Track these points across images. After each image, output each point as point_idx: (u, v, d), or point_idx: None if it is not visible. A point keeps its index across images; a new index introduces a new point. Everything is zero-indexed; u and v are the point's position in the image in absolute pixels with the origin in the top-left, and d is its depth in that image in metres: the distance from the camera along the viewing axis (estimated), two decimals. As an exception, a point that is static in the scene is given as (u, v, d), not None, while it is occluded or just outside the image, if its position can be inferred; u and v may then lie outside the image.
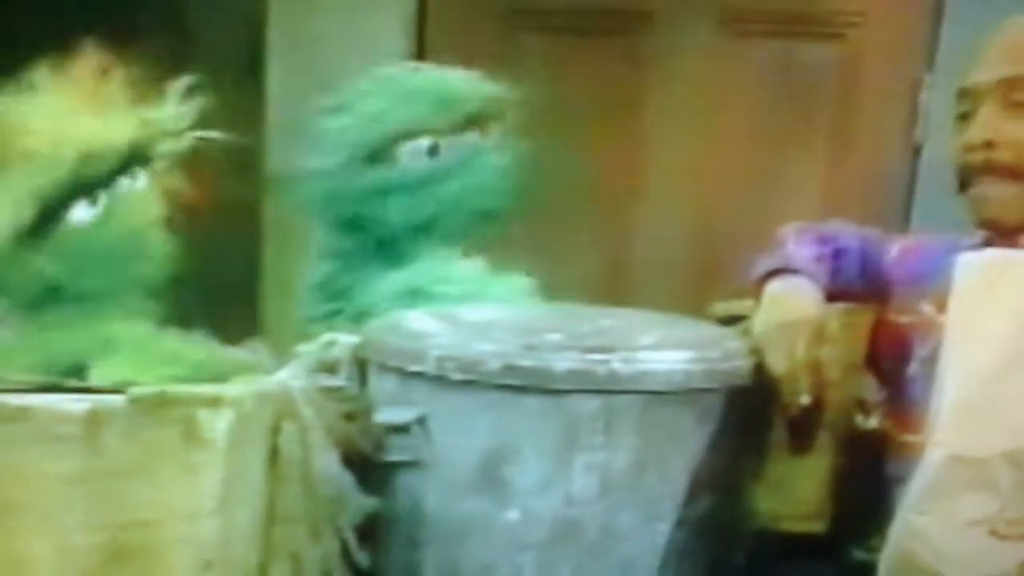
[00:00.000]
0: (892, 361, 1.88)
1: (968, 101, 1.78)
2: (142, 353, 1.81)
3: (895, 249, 1.95)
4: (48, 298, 1.86)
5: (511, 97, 2.26)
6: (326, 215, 2.30)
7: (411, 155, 2.21)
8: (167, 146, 1.88)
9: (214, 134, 1.87)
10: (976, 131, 1.75)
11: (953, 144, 1.80)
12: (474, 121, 2.23)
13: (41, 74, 1.82)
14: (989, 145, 1.74)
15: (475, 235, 2.27)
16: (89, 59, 1.82)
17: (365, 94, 2.26)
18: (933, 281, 1.80)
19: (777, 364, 1.74)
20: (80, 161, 1.81)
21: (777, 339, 1.76)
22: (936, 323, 1.75)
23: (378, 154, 2.22)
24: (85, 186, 1.82)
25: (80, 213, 1.83)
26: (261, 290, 2.51)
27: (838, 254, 1.91)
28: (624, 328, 1.84)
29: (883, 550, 1.64)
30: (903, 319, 1.87)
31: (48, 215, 1.81)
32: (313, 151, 2.27)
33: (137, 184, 1.88)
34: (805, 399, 1.73)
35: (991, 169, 1.75)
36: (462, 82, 2.26)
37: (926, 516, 1.57)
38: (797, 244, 1.92)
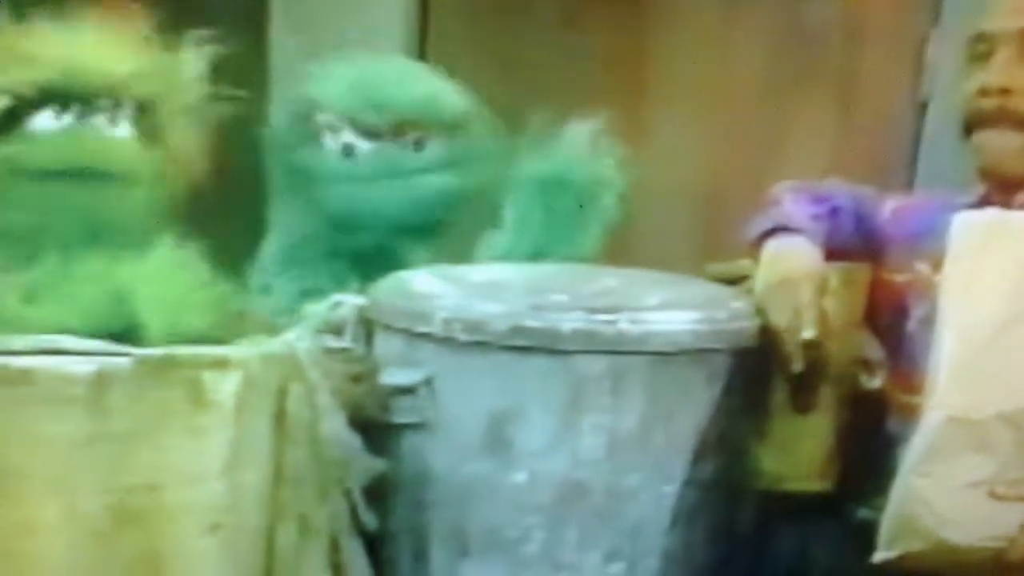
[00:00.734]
0: (889, 320, 1.88)
1: (984, 44, 1.76)
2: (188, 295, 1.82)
3: (889, 208, 1.95)
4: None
5: (464, 113, 2.23)
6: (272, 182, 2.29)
7: (332, 146, 2.20)
8: (168, 94, 1.87)
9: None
10: (992, 77, 1.74)
11: (963, 87, 1.79)
12: (404, 127, 2.19)
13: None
14: (1005, 92, 1.73)
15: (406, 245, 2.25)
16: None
17: (328, 74, 2.23)
18: (928, 240, 1.81)
19: (780, 319, 1.74)
20: (61, 72, 1.80)
21: (779, 295, 1.76)
22: (931, 282, 1.74)
23: (304, 134, 2.21)
24: (57, 97, 1.82)
25: (43, 122, 1.83)
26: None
27: (834, 212, 1.91)
28: (630, 288, 1.84)
29: (884, 511, 1.64)
30: (898, 278, 1.87)
31: (14, 116, 1.82)
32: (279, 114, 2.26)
33: (120, 129, 1.88)
34: (808, 334, 1.71)
35: (1004, 116, 1.74)
36: (409, 86, 2.22)
37: (926, 478, 1.57)
38: (793, 203, 1.92)
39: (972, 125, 1.78)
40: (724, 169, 2.99)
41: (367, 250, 2.20)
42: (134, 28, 1.86)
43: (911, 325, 1.83)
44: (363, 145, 2.16)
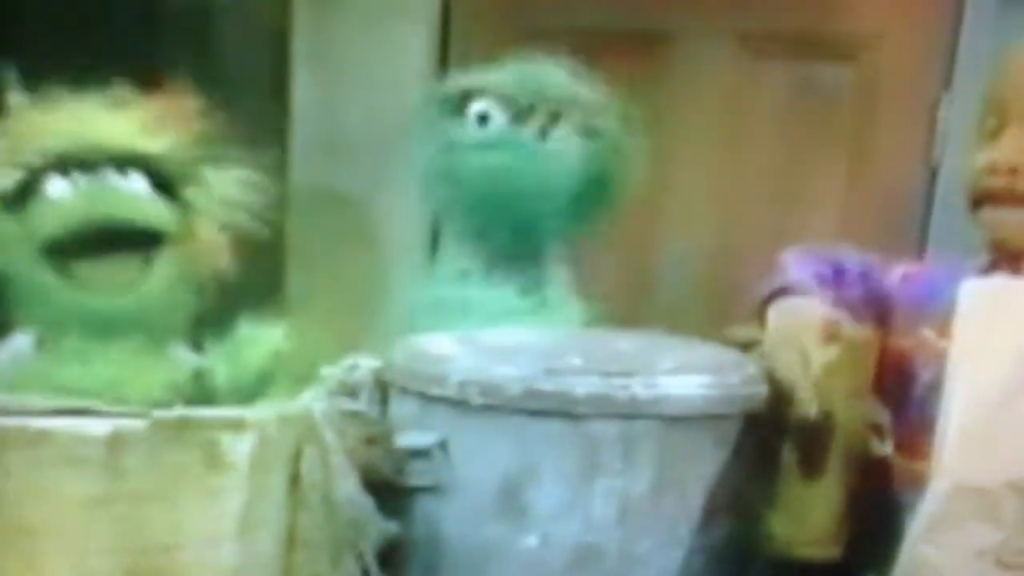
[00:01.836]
0: (896, 386, 1.87)
1: (996, 117, 1.75)
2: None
3: (897, 274, 1.94)
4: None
5: (597, 101, 2.24)
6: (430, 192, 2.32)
7: (471, 114, 2.21)
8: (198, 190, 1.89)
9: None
10: (1001, 155, 1.73)
11: (973, 160, 1.78)
12: (545, 107, 2.20)
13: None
14: (1013, 171, 1.72)
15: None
16: (168, 94, 1.84)
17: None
18: (934, 306, 1.80)
19: (786, 376, 1.75)
20: (71, 141, 1.82)
21: (787, 344, 1.78)
22: (938, 348, 1.74)
23: (448, 109, 2.23)
24: (67, 163, 1.84)
25: (56, 187, 1.84)
26: (286, 312, 2.51)
27: (839, 274, 1.91)
28: (643, 352, 1.84)
29: None
30: (905, 344, 1.86)
31: (28, 186, 1.84)
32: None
33: (133, 184, 1.89)
34: (816, 405, 1.75)
35: (1011, 196, 1.73)
36: (557, 74, 2.24)
37: (934, 546, 1.57)
38: (797, 265, 1.92)
39: (980, 201, 1.77)
40: (737, 230, 3.00)
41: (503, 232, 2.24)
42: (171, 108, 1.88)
43: (917, 391, 1.81)
44: (498, 117, 2.18)
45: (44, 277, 1.86)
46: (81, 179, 1.85)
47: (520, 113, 2.18)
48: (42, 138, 1.83)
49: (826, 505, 1.88)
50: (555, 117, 2.19)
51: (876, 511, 1.84)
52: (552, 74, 2.22)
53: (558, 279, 2.27)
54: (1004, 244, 1.78)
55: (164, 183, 1.91)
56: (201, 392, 1.88)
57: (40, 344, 1.94)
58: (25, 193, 1.85)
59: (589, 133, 2.22)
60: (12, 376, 1.88)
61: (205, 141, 1.90)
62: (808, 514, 1.87)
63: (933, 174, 2.93)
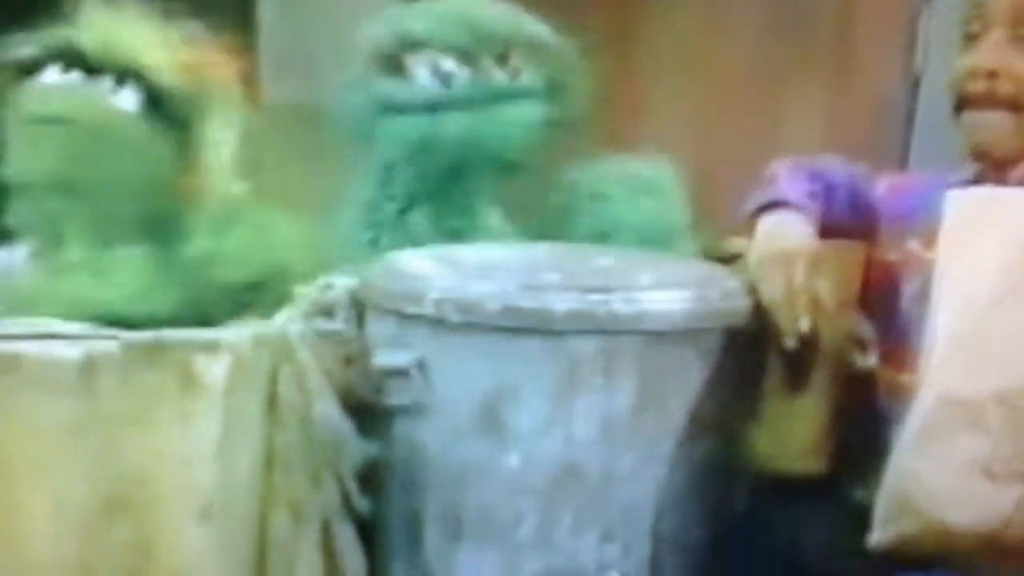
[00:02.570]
0: (881, 299, 1.87)
1: (978, 21, 1.75)
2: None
3: (883, 186, 1.94)
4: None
5: (550, 39, 2.18)
6: (353, 133, 2.25)
7: (423, 73, 2.15)
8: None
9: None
10: (981, 58, 1.73)
11: (955, 64, 1.77)
12: (496, 50, 2.14)
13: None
14: (992, 75, 1.72)
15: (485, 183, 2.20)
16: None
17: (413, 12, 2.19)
18: (919, 218, 1.80)
19: (773, 293, 1.73)
20: (83, 37, 1.86)
21: (772, 269, 1.75)
22: (923, 260, 1.75)
23: (389, 63, 2.17)
24: (67, 56, 1.88)
25: (49, 76, 1.89)
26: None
27: (829, 189, 1.90)
28: (622, 268, 1.84)
29: (878, 492, 1.63)
30: (890, 256, 1.87)
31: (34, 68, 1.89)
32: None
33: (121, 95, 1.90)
34: (804, 324, 1.70)
35: (991, 100, 1.73)
36: (496, 10, 2.17)
37: (921, 458, 1.57)
38: (789, 180, 1.90)
39: (961, 105, 1.76)
40: (718, 148, 3.00)
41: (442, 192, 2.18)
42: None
43: (903, 303, 1.82)
44: (461, 73, 2.11)
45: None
46: (72, 75, 1.89)
47: (469, 55, 2.11)
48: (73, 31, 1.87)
49: (810, 419, 1.89)
50: (503, 57, 2.14)
51: (861, 424, 1.85)
52: (502, 12, 2.17)
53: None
54: (986, 150, 1.77)
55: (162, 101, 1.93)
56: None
57: (38, 255, 1.93)
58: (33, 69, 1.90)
59: (541, 65, 2.18)
60: (10, 291, 1.88)
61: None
62: (792, 428, 1.88)
63: (915, 84, 2.93)
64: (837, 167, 1.96)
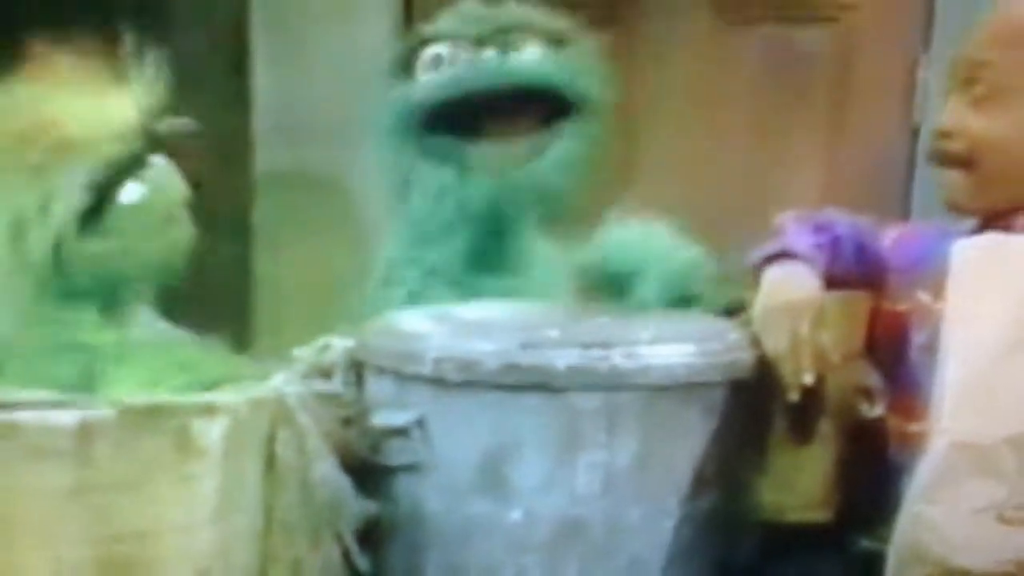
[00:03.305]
0: (889, 349, 1.87)
1: (950, 81, 1.79)
2: (158, 360, 1.81)
3: (890, 237, 1.95)
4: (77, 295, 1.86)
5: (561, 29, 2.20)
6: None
7: (424, 66, 2.16)
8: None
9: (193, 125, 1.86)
10: (939, 119, 1.78)
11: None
12: (499, 33, 2.15)
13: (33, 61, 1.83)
14: (946, 135, 1.77)
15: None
16: (79, 46, 1.82)
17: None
18: (927, 268, 1.80)
19: (778, 345, 1.74)
20: (118, 141, 1.81)
21: (777, 321, 1.76)
22: (931, 310, 1.74)
23: (403, 64, 2.18)
24: (130, 165, 1.82)
25: (132, 193, 1.82)
26: (251, 294, 2.50)
27: (835, 242, 1.91)
28: (623, 323, 1.83)
29: (891, 540, 1.62)
30: (899, 307, 1.87)
31: (102, 197, 1.81)
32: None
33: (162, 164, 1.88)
34: (808, 378, 1.71)
35: (946, 159, 1.78)
36: (508, 7, 2.20)
37: (934, 505, 1.56)
38: (796, 231, 1.91)
39: (929, 163, 1.83)
40: (718, 201, 3.00)
41: (484, 218, 2.17)
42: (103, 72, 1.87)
43: (911, 353, 1.82)
44: (454, 57, 2.13)
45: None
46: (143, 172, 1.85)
47: (480, 37, 2.13)
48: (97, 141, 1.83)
49: (816, 470, 1.88)
50: (513, 44, 2.15)
51: (868, 475, 1.84)
52: (505, 8, 2.19)
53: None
54: (949, 204, 1.81)
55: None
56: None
57: None
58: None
59: (553, 45, 2.18)
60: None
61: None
62: (799, 479, 1.87)
63: (915, 134, 2.94)
64: (843, 219, 1.96)
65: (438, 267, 2.10)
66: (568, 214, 2.20)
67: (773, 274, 1.83)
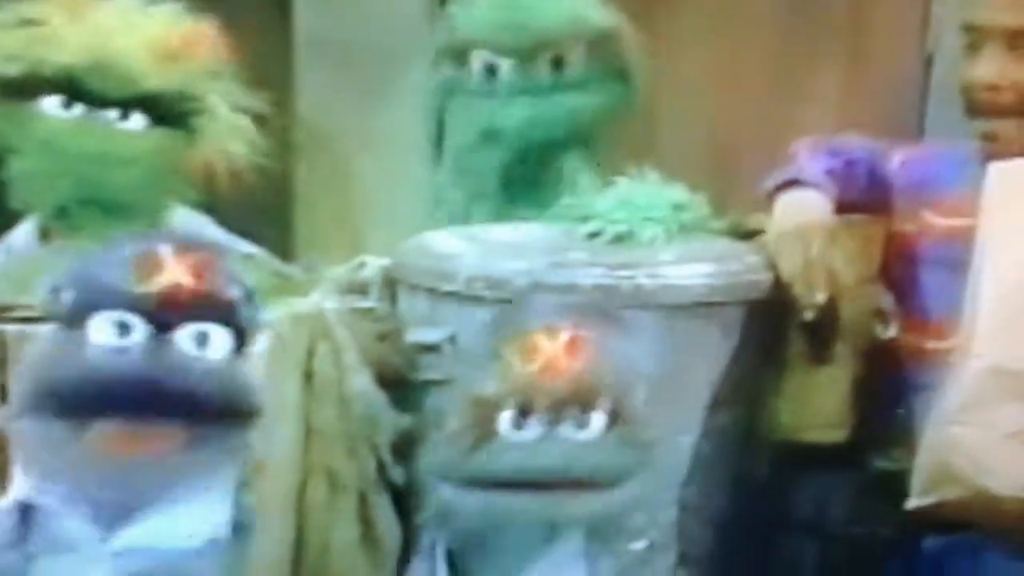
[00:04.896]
0: (900, 269, 1.90)
1: (972, 35, 1.79)
2: None
3: (897, 159, 1.96)
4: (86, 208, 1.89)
5: (606, 29, 2.17)
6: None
7: (477, 67, 2.15)
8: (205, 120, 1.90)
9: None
10: (980, 72, 1.77)
11: (961, 73, 1.82)
12: (550, 52, 2.14)
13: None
14: (994, 88, 1.76)
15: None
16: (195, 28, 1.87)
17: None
18: (934, 188, 1.85)
19: (791, 265, 1.76)
20: (84, 66, 1.82)
21: (790, 242, 1.79)
22: (938, 227, 1.80)
23: (454, 56, 2.19)
24: (71, 90, 1.84)
25: (50, 109, 1.84)
26: (293, 213, 2.52)
27: (848, 166, 1.92)
28: (647, 246, 1.83)
29: (916, 459, 1.67)
30: (907, 227, 1.89)
31: (24, 88, 1.85)
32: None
33: (129, 124, 1.88)
34: (821, 297, 1.74)
35: (995, 110, 1.77)
36: (557, 8, 2.17)
37: (965, 427, 1.60)
38: (808, 159, 1.93)
39: (971, 112, 1.81)
40: (736, 124, 3.00)
41: (515, 170, 2.16)
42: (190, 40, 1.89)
43: (921, 271, 1.85)
44: (503, 64, 2.13)
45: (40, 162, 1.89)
46: (80, 110, 1.87)
47: (525, 57, 2.12)
48: (55, 49, 1.84)
49: (833, 389, 1.91)
50: (562, 60, 2.13)
51: (882, 395, 1.88)
52: (551, 9, 2.15)
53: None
54: (996, 152, 1.78)
55: (170, 115, 1.92)
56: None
57: (43, 234, 1.95)
58: (28, 94, 1.85)
59: (602, 66, 2.17)
60: (19, 267, 1.90)
61: (215, 70, 1.91)
62: (815, 399, 1.90)
63: (928, 62, 2.94)
64: (857, 143, 1.98)
65: (478, 192, 2.12)
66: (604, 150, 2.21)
67: (785, 200, 1.86)
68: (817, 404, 1.90)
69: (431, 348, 1.75)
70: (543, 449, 1.53)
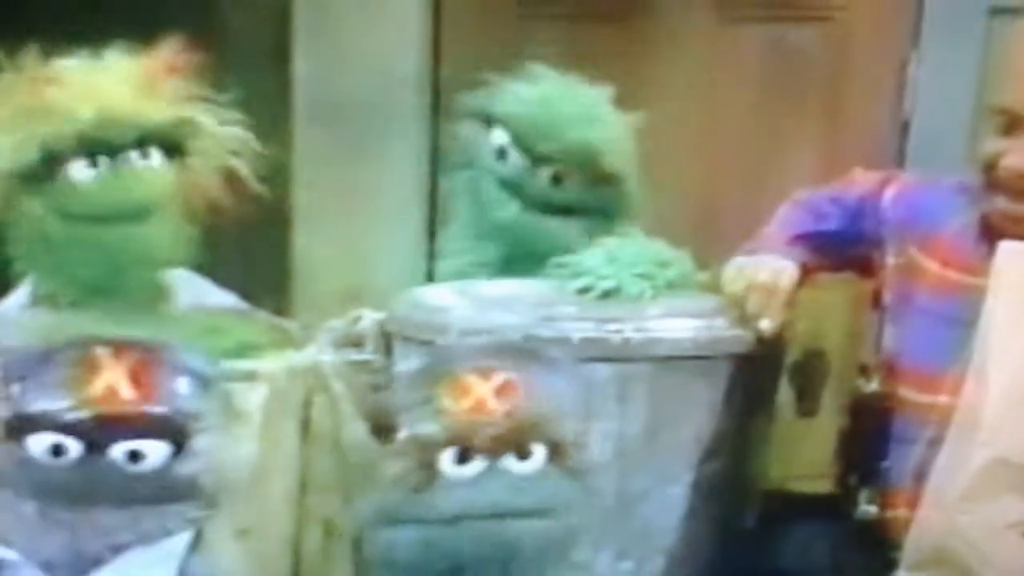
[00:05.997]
0: (893, 309, 1.88)
1: (1007, 119, 1.74)
2: (190, 324, 1.85)
3: (890, 192, 1.94)
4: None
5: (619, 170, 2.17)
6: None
7: (495, 144, 2.15)
8: (198, 141, 1.91)
9: (241, 132, 1.90)
10: (1013, 161, 1.71)
11: (986, 149, 1.76)
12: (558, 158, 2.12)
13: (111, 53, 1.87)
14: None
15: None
16: (163, 52, 1.86)
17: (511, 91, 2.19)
18: (919, 224, 1.85)
19: (735, 289, 1.81)
20: (93, 123, 1.84)
21: (734, 274, 1.83)
22: (931, 275, 1.79)
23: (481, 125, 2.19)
24: (90, 146, 1.82)
25: (78, 172, 1.82)
26: (290, 271, 2.54)
27: (823, 221, 1.95)
28: (636, 302, 1.85)
29: (910, 534, 1.69)
30: (899, 262, 1.87)
31: (48, 166, 1.82)
32: None
33: (151, 162, 1.90)
34: (767, 325, 1.77)
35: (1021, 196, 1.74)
36: (581, 127, 2.12)
37: (967, 515, 1.61)
38: (780, 224, 1.97)
39: (991, 190, 1.76)
40: (718, 192, 3.05)
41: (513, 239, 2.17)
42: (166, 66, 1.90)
43: (917, 322, 1.82)
44: (513, 155, 2.13)
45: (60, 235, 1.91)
46: (104, 162, 1.90)
47: (537, 157, 2.12)
48: (65, 116, 1.86)
49: (820, 441, 1.95)
50: (564, 176, 2.13)
51: (868, 447, 1.87)
52: (569, 113, 2.13)
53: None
54: (1005, 233, 1.74)
55: (173, 147, 1.94)
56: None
57: (40, 299, 1.97)
58: (46, 170, 1.83)
59: (600, 181, 2.16)
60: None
61: (201, 90, 1.92)
62: (801, 449, 1.95)
63: (904, 128, 2.98)
64: (857, 182, 2.01)
65: (480, 258, 2.14)
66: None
67: (736, 261, 1.88)
68: (803, 455, 1.95)
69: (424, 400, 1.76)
70: (487, 483, 1.56)
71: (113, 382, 1.43)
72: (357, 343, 1.84)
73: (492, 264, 2.14)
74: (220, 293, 2.02)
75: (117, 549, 1.46)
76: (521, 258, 2.10)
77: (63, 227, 1.84)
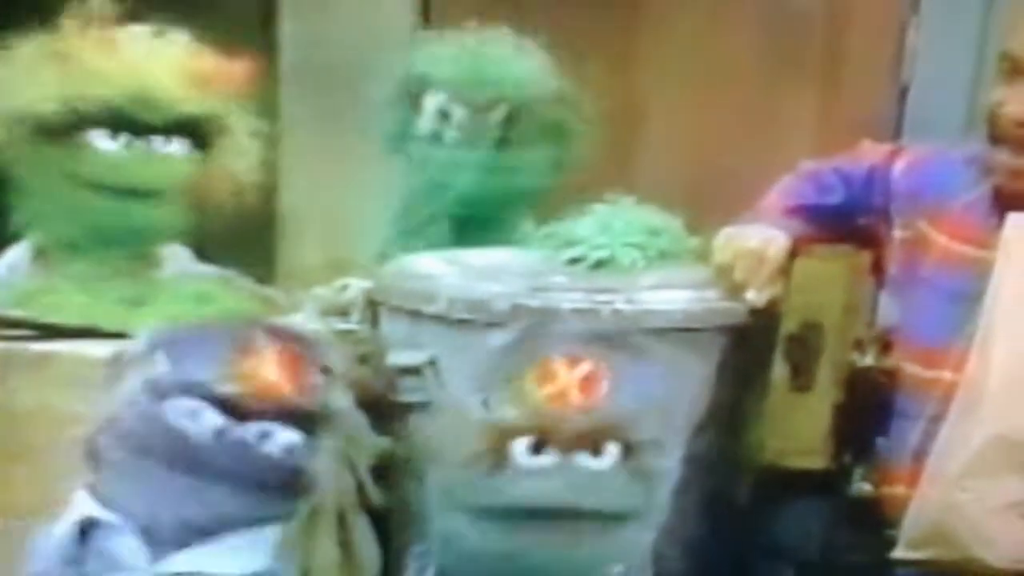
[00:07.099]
0: (899, 281, 1.87)
1: (1007, 63, 1.73)
2: (179, 294, 1.86)
3: (901, 163, 1.91)
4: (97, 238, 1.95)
5: (557, 94, 2.21)
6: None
7: (431, 109, 2.19)
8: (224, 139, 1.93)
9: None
10: (1013, 108, 1.70)
11: (991, 98, 1.74)
12: (502, 102, 2.16)
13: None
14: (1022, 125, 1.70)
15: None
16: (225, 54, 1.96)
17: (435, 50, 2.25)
18: (928, 196, 1.83)
19: (722, 258, 1.79)
20: (129, 99, 1.86)
21: (724, 244, 1.81)
22: (938, 248, 1.77)
23: (410, 97, 2.22)
24: (118, 120, 1.90)
25: (101, 141, 1.91)
26: (276, 232, 2.53)
27: (825, 193, 1.93)
28: (627, 273, 1.84)
29: (909, 512, 1.68)
30: (905, 234, 1.86)
31: (69, 127, 1.89)
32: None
33: (171, 148, 1.96)
34: (753, 295, 1.75)
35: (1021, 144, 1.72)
36: (516, 68, 2.20)
37: (967, 493, 1.60)
38: (779, 195, 1.95)
39: (995, 139, 1.74)
40: (716, 154, 3.03)
41: (463, 217, 2.22)
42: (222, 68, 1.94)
43: (923, 296, 1.81)
44: (457, 111, 2.16)
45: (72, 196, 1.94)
46: (126, 139, 1.91)
47: (479, 109, 2.16)
48: (98, 84, 1.87)
49: (815, 416, 1.93)
50: (514, 116, 2.17)
51: (864, 423, 1.87)
52: (512, 64, 2.19)
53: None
54: (1005, 186, 1.75)
55: (199, 140, 1.99)
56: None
57: (39, 257, 1.97)
58: (65, 130, 1.91)
59: (551, 129, 2.22)
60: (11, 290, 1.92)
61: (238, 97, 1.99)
62: (795, 425, 1.92)
63: (903, 94, 2.97)
64: (866, 154, 1.98)
65: (428, 235, 2.16)
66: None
67: (721, 234, 1.85)
68: (797, 430, 1.92)
69: (411, 371, 1.74)
70: (558, 477, 1.56)
71: (263, 364, 1.50)
72: (343, 312, 1.82)
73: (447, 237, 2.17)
74: (204, 266, 2.05)
75: (224, 527, 1.49)
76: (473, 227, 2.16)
77: (70, 188, 1.88)
